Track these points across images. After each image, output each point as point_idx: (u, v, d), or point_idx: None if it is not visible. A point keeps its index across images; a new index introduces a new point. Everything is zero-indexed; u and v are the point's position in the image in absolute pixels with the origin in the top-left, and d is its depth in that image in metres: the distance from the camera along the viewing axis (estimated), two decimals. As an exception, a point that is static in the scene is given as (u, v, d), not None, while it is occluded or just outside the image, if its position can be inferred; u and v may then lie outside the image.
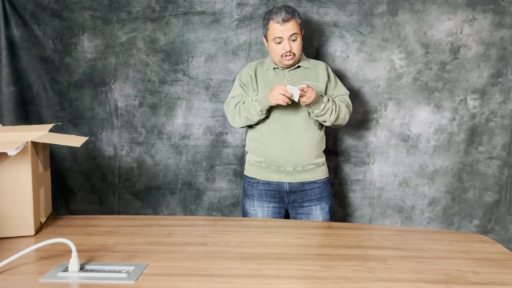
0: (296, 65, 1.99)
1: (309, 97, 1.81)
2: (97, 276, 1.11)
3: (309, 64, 2.03)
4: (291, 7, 1.93)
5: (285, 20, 1.87)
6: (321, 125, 2.03)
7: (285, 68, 1.99)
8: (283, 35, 1.89)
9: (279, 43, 1.90)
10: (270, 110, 1.93)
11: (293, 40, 1.90)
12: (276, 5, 1.94)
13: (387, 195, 2.41)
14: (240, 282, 1.10)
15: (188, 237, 1.43)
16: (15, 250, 1.17)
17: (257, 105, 1.88)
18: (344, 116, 1.98)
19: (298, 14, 1.94)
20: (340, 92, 2.03)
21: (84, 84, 2.43)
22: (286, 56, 1.91)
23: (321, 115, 1.91)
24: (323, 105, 1.89)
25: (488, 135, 2.33)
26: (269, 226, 1.61)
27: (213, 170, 2.45)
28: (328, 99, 1.92)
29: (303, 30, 1.98)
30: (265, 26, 1.95)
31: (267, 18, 1.94)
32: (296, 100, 1.81)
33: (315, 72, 2.01)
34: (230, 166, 2.45)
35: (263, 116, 1.92)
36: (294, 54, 1.92)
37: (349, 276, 1.14)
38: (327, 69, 2.04)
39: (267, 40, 1.97)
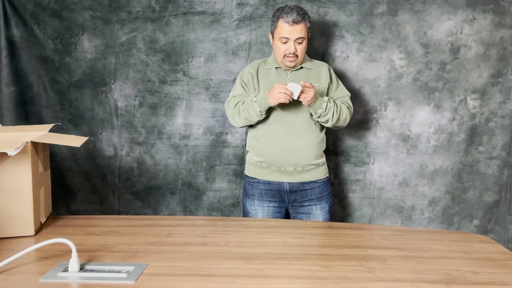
0: (299, 66, 1.99)
1: (309, 91, 1.81)
2: (97, 276, 1.11)
3: (311, 65, 2.02)
4: (303, 9, 1.91)
5: (295, 22, 1.86)
6: (321, 127, 2.03)
7: (287, 68, 1.98)
8: (290, 36, 1.88)
9: (284, 43, 1.90)
10: (270, 110, 1.93)
11: (299, 43, 1.90)
12: (289, 4, 1.91)
13: (387, 195, 2.41)
14: (240, 282, 1.10)
15: (188, 237, 1.43)
16: (15, 250, 1.17)
17: (256, 106, 1.88)
18: (345, 117, 1.98)
19: (309, 17, 1.92)
20: (341, 94, 2.03)
21: (84, 84, 2.43)
22: (289, 57, 1.91)
23: (324, 116, 1.91)
24: (325, 104, 1.89)
25: (488, 135, 2.33)
26: (269, 226, 1.61)
27: (213, 170, 2.45)
28: (329, 99, 1.92)
29: (310, 34, 1.98)
30: (274, 23, 1.93)
31: (277, 15, 1.91)
32: (296, 98, 1.80)
33: (318, 73, 2.01)
34: (230, 166, 2.45)
35: (263, 116, 1.92)
36: (297, 57, 1.91)
37: (349, 276, 1.14)
38: (329, 71, 2.04)
39: (273, 37, 1.97)
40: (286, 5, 1.92)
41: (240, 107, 1.95)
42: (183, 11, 2.36)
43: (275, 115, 1.95)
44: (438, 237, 1.50)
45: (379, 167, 2.40)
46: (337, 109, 1.93)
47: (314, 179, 2.01)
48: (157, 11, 2.37)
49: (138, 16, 2.37)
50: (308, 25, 1.92)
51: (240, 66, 2.35)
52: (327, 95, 1.99)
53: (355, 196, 2.44)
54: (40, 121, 2.44)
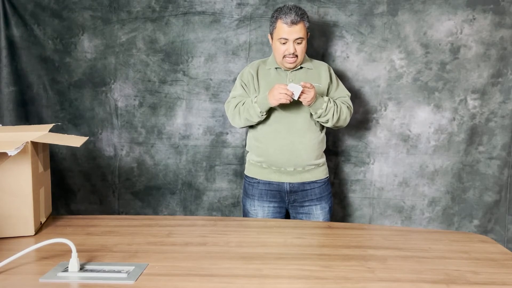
0: (299, 66, 1.99)
1: (309, 91, 1.81)
2: (97, 276, 1.11)
3: (311, 65, 2.02)
4: (301, 9, 1.90)
5: (293, 23, 1.85)
6: (321, 127, 2.03)
7: (287, 69, 1.98)
8: (289, 37, 1.87)
9: (283, 43, 1.89)
10: (270, 110, 1.93)
11: (298, 43, 1.89)
12: (287, 5, 1.90)
13: (387, 195, 2.41)
14: (240, 282, 1.10)
15: (188, 237, 1.43)
16: (15, 250, 1.17)
17: (257, 107, 1.88)
18: (345, 117, 1.98)
19: (307, 17, 1.91)
20: (341, 94, 2.03)
21: (84, 84, 2.43)
22: (288, 57, 1.90)
23: (324, 116, 1.91)
24: (325, 105, 1.88)
25: (488, 135, 2.33)
26: (269, 226, 1.61)
27: (213, 170, 2.45)
28: (329, 99, 1.92)
29: (309, 33, 1.97)
30: (273, 24, 1.93)
31: (275, 16, 1.91)
32: (297, 98, 1.80)
33: (318, 73, 2.01)
34: (230, 166, 2.45)
35: (263, 117, 1.92)
36: (297, 57, 1.91)
37: (349, 276, 1.14)
38: (329, 71, 2.04)
39: (272, 38, 1.96)
40: (284, 6, 1.91)
41: (241, 108, 1.95)
42: (183, 11, 2.36)
43: (275, 115, 1.95)
44: (438, 237, 1.50)
45: (379, 167, 2.40)
46: (337, 109, 1.93)
47: (314, 179, 2.01)
48: (157, 11, 2.37)
49: (138, 16, 2.37)
50: (307, 25, 1.92)
51: (240, 66, 2.35)
52: (327, 95, 1.99)
53: (355, 196, 2.44)
54: (40, 121, 2.44)
